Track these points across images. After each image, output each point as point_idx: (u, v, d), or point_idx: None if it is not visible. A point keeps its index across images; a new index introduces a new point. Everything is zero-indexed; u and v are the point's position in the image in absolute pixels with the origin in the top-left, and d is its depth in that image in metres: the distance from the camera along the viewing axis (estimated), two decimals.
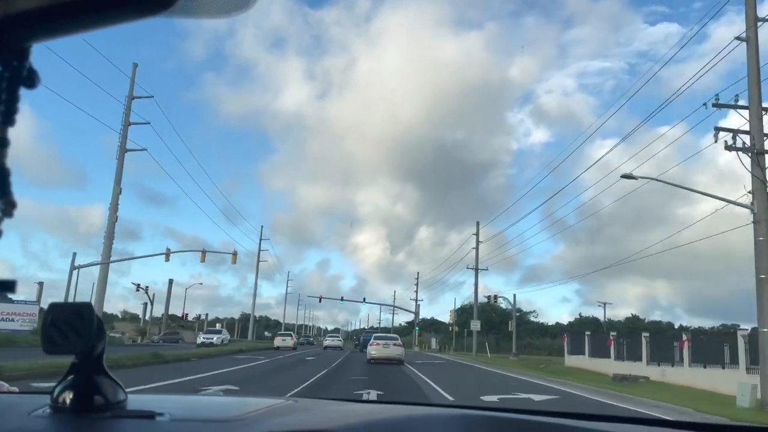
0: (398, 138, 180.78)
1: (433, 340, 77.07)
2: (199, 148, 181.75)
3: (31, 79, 0.58)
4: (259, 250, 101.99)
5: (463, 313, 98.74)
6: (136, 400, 1.18)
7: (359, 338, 58.43)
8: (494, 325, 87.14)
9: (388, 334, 35.36)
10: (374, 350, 27.48)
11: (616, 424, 1.43)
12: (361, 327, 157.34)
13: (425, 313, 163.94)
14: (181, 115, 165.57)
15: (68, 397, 1.05)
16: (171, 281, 61.92)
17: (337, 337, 67.06)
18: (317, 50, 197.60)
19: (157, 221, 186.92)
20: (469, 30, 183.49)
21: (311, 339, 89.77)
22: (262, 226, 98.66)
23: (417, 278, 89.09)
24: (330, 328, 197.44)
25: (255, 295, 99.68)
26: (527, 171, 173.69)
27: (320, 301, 73.31)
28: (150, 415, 1.06)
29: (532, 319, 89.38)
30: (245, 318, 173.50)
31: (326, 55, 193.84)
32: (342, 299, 73.55)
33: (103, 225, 32.34)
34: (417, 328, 75.09)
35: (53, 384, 1.08)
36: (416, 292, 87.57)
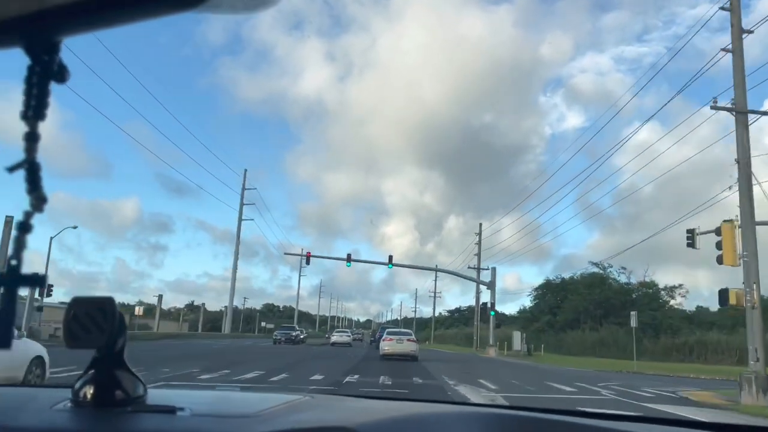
0: (425, 123, 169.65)
1: (517, 335, 42.93)
2: (217, 136, 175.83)
3: (61, 74, 0.57)
4: (241, 204, 71.02)
5: (548, 293, 63.74)
6: (157, 394, 1.18)
7: (374, 334, 54.71)
8: (611, 309, 51.90)
9: (402, 329, 33.16)
10: (387, 346, 26.08)
11: (638, 423, 1.40)
12: (394, 318, 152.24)
13: (457, 304, 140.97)
14: (200, 103, 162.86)
15: (89, 391, 1.05)
16: (9, 219, 30.12)
17: (346, 333, 55.43)
18: (336, 31, 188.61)
19: (188, 214, 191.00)
20: (498, 4, 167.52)
21: (294, 334, 49.04)
22: (245, 170, 68.95)
23: (479, 231, 54.75)
24: (362, 320, 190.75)
25: (235, 268, 68.77)
26: (560, 156, 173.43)
27: (308, 263, 40.97)
28: (171, 410, 1.05)
29: (679, 298, 53.15)
30: (269, 308, 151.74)
31: (347, 36, 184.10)
32: (349, 259, 40.24)
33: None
34: (492, 312, 40.70)
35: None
36: (478, 255, 53.25)
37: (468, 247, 77.67)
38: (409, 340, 26.51)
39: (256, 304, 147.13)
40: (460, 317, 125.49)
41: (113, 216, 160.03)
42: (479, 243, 54.01)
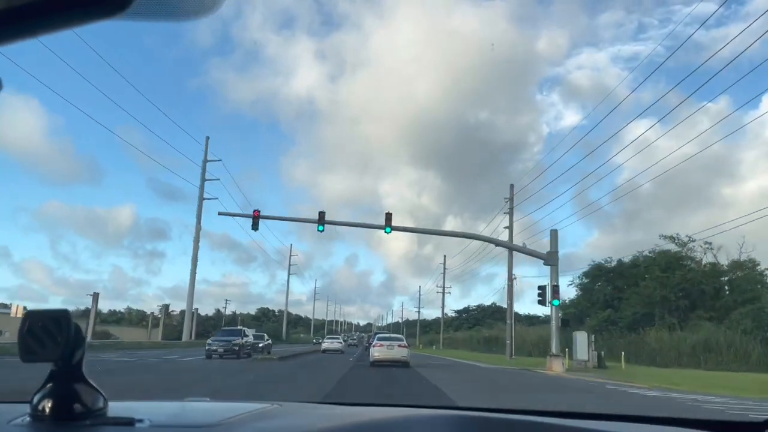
0: (422, 122, 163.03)
1: (582, 338, 28.16)
2: (212, 136, 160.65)
3: None
4: (203, 179, 56.26)
5: (600, 281, 48.75)
6: (117, 407, 1.16)
7: (368, 340, 53.77)
8: (701, 298, 36.91)
9: (392, 334, 32.97)
10: (377, 352, 25.90)
11: (612, 422, 1.39)
12: (395, 321, 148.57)
13: (458, 307, 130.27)
14: (193, 104, 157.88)
15: (47, 405, 1.04)
16: None
17: (338, 339, 52.85)
18: (327, 29, 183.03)
19: (185, 220, 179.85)
20: None
21: (239, 342, 29.47)
22: (207, 137, 56.13)
23: (511, 195, 39.82)
24: (362, 323, 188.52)
25: (195, 261, 53.78)
26: (557, 154, 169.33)
27: (256, 228, 26.27)
28: (130, 422, 1.05)
29: None
30: (263, 312, 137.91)
31: (339, 34, 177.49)
32: (321, 221, 25.78)
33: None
34: (555, 302, 26.05)
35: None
36: (509, 227, 38.33)
37: (468, 247, 63.44)
38: (400, 345, 26.03)
39: (252, 308, 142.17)
40: (468, 318, 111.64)
41: (109, 223, 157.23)
42: (510, 211, 39.21)
